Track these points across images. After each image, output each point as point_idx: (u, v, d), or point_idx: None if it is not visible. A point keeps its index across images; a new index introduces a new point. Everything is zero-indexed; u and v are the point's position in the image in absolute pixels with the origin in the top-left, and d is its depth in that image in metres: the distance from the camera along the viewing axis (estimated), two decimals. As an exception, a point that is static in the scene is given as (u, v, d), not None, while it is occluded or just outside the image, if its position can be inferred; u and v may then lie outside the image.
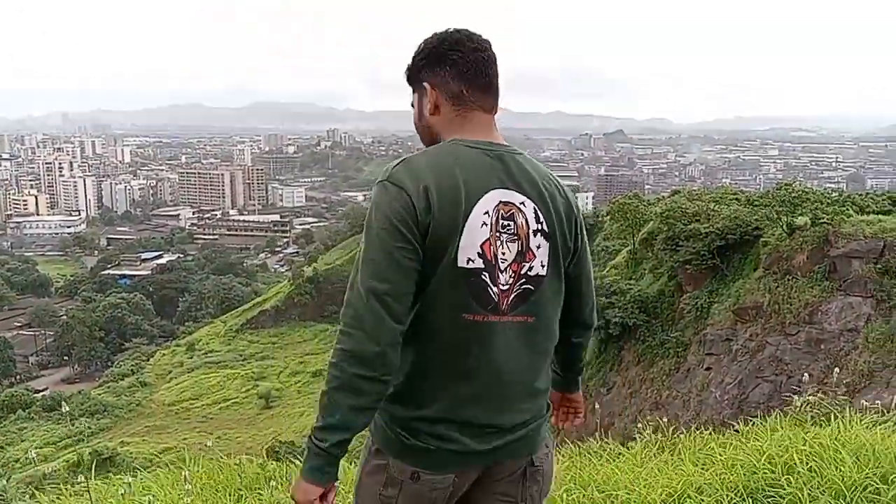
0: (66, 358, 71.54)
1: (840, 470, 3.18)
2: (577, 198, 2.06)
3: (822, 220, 20.14)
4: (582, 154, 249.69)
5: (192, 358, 59.17)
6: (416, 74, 1.99)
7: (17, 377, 66.50)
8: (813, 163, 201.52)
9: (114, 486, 3.13)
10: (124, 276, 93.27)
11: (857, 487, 3.07)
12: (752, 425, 3.97)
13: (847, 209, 21.06)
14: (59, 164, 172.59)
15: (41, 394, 57.10)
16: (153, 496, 3.06)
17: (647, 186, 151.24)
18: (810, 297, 19.75)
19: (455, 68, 1.93)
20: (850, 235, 19.60)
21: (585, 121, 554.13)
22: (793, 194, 21.67)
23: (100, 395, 51.93)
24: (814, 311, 19.63)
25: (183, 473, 2.99)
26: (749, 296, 21.26)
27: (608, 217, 34.43)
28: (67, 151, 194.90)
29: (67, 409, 46.04)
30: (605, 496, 3.21)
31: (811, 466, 3.27)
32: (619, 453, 3.85)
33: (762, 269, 21.40)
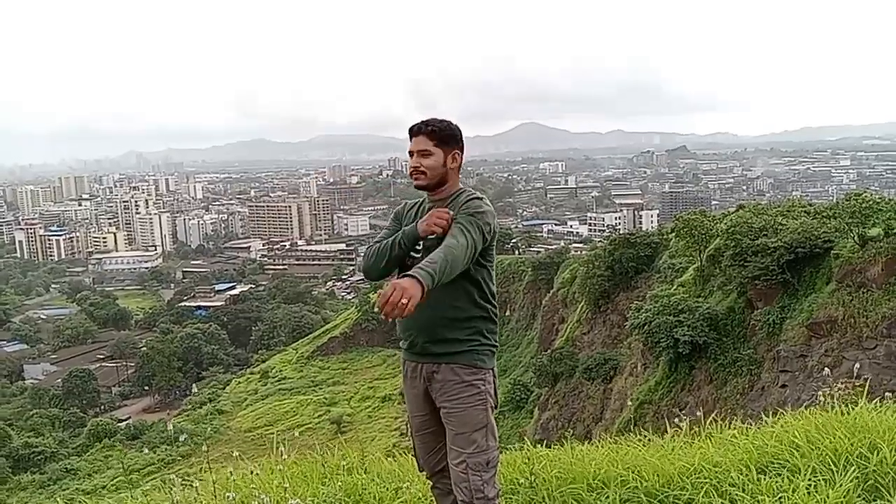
0: (146, 388, 74.26)
1: (832, 442, 3.65)
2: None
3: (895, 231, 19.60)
4: (645, 172, 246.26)
5: (265, 385, 60.66)
6: (452, 139, 3.32)
7: (102, 407, 69.38)
8: (888, 171, 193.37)
9: (218, 475, 3.60)
10: (200, 308, 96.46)
11: (847, 455, 3.52)
12: (778, 417, 4.28)
13: (923, 218, 20.41)
14: (136, 201, 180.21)
15: (124, 423, 59.42)
16: (254, 480, 3.57)
17: (713, 202, 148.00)
18: (887, 309, 19.17)
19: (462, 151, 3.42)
20: (927, 245, 19.02)
21: (647, 138, 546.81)
22: (863, 205, 21.11)
23: (179, 423, 53.64)
24: (892, 324, 19.02)
25: (280, 450, 3.50)
26: (822, 310, 20.74)
27: (673, 234, 34.03)
28: (143, 190, 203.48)
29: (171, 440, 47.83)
30: (628, 469, 3.68)
31: (809, 440, 3.75)
32: (652, 440, 4.26)
33: (835, 283, 20.88)
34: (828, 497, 3.09)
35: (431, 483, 3.32)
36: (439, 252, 2.91)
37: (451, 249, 2.94)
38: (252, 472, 3.65)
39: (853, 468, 3.34)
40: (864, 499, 3.20)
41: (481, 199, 3.26)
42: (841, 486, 3.17)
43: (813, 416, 3.97)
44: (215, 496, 3.21)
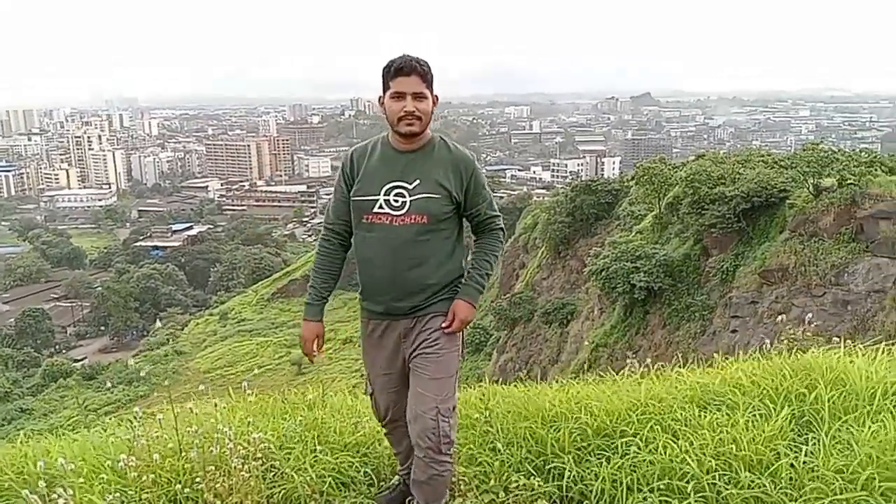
0: (102, 328, 73.50)
1: (773, 381, 3.85)
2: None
3: (849, 182, 20.02)
4: (609, 118, 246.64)
5: (225, 327, 60.53)
6: (432, 83, 2.98)
7: (57, 347, 68.53)
8: (846, 123, 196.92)
9: (181, 409, 3.67)
10: (156, 248, 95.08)
11: (787, 394, 3.72)
12: (726, 358, 4.49)
13: (875, 170, 20.89)
14: (88, 137, 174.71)
15: (80, 363, 58.91)
16: (217, 415, 3.64)
17: (675, 150, 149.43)
18: (837, 258, 19.77)
19: None
20: (878, 196, 19.49)
21: (612, 83, 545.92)
22: (820, 155, 21.54)
23: (136, 363, 53.38)
24: (840, 273, 19.63)
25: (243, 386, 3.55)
26: (775, 258, 21.31)
27: (634, 182, 34.39)
28: (95, 125, 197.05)
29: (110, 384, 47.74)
30: (580, 406, 3.86)
31: (752, 380, 3.94)
32: (603, 380, 4.48)
33: (788, 232, 21.42)
34: (763, 431, 3.27)
35: (386, 430, 3.33)
36: (486, 265, 3.14)
37: (491, 264, 3.16)
38: (216, 406, 3.70)
39: (790, 405, 3.53)
40: (796, 432, 3.38)
41: (474, 160, 3.07)
42: (776, 421, 3.36)
43: (758, 358, 4.17)
44: (177, 430, 3.26)
